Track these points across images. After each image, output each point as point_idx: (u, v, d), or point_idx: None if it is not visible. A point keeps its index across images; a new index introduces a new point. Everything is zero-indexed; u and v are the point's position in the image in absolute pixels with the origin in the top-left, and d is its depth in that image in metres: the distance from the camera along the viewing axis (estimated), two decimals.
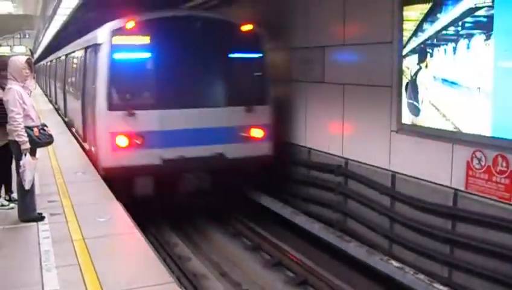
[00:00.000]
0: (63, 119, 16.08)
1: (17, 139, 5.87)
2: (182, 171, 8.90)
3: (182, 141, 8.72)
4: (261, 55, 9.62)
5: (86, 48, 10.75)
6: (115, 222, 6.26)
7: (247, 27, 9.35)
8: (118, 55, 8.69)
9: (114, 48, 8.65)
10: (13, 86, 5.97)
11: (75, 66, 13.19)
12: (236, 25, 9.39)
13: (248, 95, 9.55)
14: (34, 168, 6.00)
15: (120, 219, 6.43)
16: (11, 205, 6.67)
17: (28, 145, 5.88)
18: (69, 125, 14.19)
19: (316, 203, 9.15)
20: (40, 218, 6.20)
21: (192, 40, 9.03)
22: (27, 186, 5.94)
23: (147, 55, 9.00)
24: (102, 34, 9.08)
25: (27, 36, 48.61)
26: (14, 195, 6.66)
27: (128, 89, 8.91)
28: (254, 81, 9.83)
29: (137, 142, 8.55)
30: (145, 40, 8.77)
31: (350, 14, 8.04)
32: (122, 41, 8.70)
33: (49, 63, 26.85)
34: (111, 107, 8.61)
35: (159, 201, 8.81)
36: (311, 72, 9.14)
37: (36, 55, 49.14)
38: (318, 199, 9.08)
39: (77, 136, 12.09)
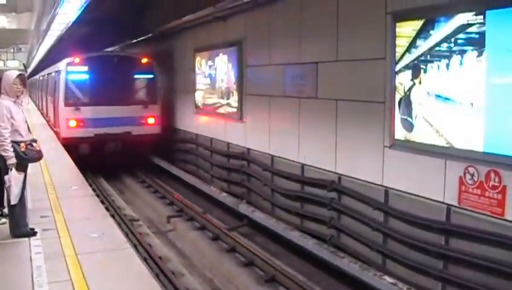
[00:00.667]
0: (45, 119, 21.76)
1: (3, 153, 5.85)
2: (106, 141, 15.30)
3: (106, 124, 15.05)
4: (153, 76, 16.33)
5: (56, 72, 17.40)
6: (107, 238, 6.22)
7: (145, 60, 16.20)
8: (70, 77, 15.23)
9: (68, 73, 15.21)
10: (3, 101, 5.98)
11: (51, 82, 19.36)
12: (138, 59, 16.40)
13: (145, 98, 16.29)
14: (20, 183, 5.96)
15: (113, 234, 6.40)
16: (3, 220, 6.61)
17: (13, 160, 5.86)
18: (48, 121, 20.12)
19: (314, 221, 9.12)
20: (32, 233, 6.16)
21: (113, 68, 15.55)
22: (13, 201, 5.92)
23: (87, 76, 15.43)
24: (62, 65, 15.97)
25: (21, 50, 48.52)
26: (6, 210, 6.61)
27: (76, 95, 15.39)
28: (149, 90, 16.43)
29: (81, 124, 15.04)
30: (86, 68, 15.40)
31: (343, 30, 8.11)
32: (73, 69, 15.27)
33: (38, 78, 32.17)
34: (66, 104, 15.15)
35: (93, 159, 14.86)
36: (304, 88, 9.17)
37: (30, 70, 49.04)
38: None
39: (51, 126, 18.36)
